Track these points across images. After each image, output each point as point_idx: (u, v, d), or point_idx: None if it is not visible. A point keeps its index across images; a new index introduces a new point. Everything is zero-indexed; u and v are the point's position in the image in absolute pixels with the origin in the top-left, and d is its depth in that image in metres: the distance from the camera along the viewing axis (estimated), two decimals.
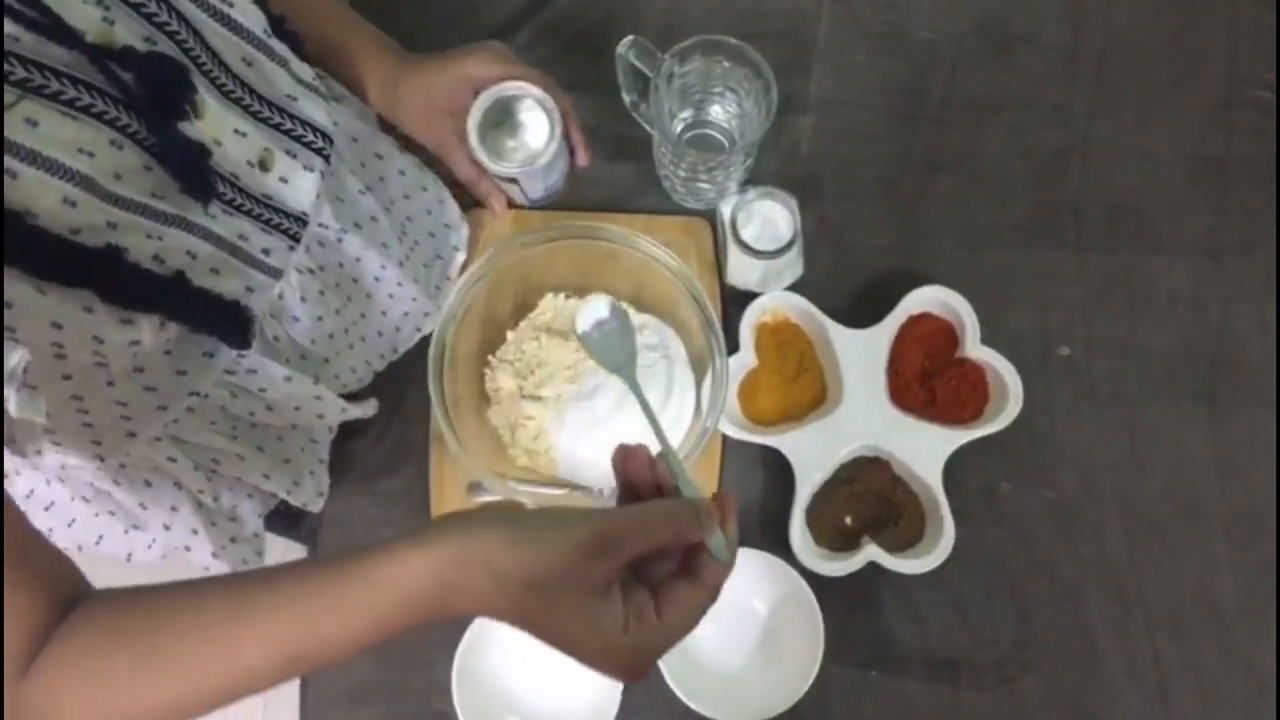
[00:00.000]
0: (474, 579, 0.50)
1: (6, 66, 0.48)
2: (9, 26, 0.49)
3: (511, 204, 0.91)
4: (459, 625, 0.82)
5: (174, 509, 0.77)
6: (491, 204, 0.89)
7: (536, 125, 0.83)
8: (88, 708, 0.52)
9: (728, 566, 0.52)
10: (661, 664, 0.81)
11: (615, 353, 0.68)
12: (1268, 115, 0.97)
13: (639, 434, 0.82)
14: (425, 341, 0.82)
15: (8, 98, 0.49)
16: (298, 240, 0.69)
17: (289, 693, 0.88)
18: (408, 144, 0.86)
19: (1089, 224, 0.95)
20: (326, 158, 0.69)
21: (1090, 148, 0.97)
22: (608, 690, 0.82)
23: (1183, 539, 0.89)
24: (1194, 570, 0.89)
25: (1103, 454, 0.91)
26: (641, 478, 0.55)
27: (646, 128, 0.89)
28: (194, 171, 0.59)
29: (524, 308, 0.90)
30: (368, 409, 0.84)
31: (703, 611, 0.52)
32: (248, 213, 0.64)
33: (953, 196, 0.96)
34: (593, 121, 0.96)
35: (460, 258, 0.90)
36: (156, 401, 0.66)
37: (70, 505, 0.76)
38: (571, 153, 0.87)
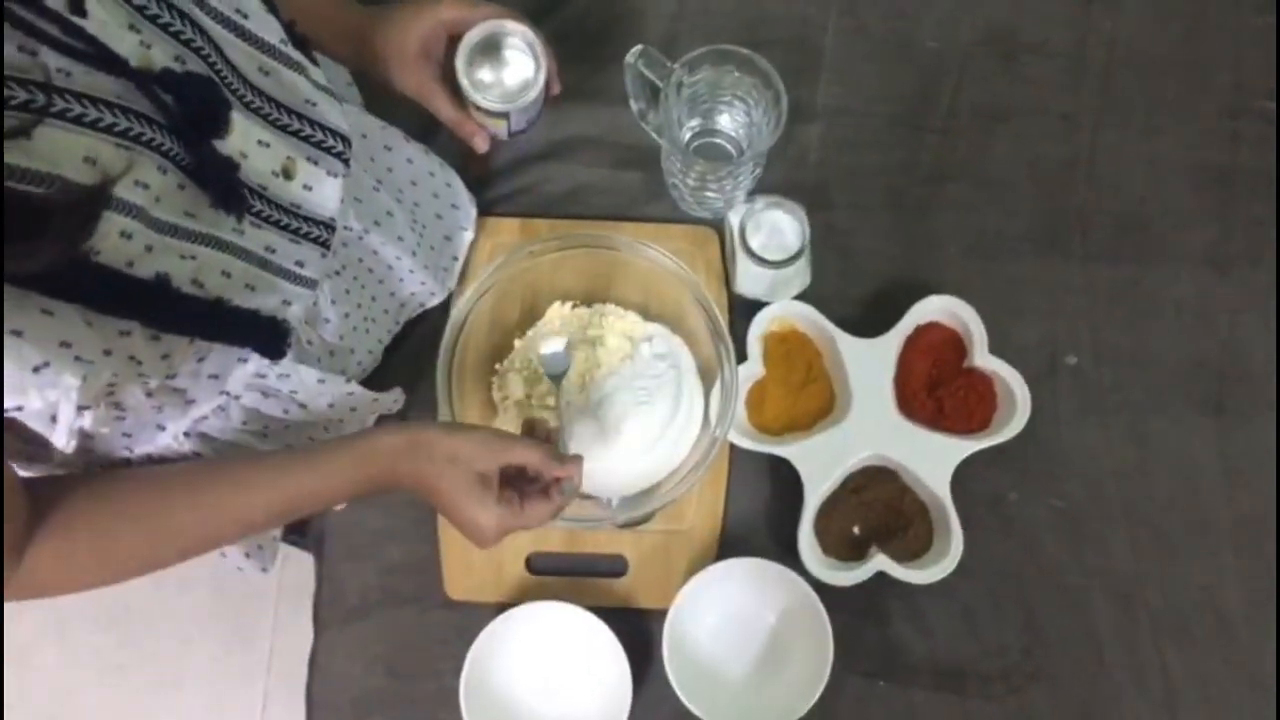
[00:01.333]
0: (418, 453, 0.67)
1: (63, 104, 0.48)
2: (57, 60, 0.48)
3: (493, 140, 0.86)
4: (467, 636, 0.82)
5: None
6: (475, 143, 0.85)
7: (517, 60, 0.81)
8: (92, 556, 0.62)
9: (568, 499, 0.71)
10: (670, 673, 0.81)
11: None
12: (1273, 126, 0.97)
13: (646, 444, 0.83)
14: (431, 356, 0.81)
15: (70, 137, 0.49)
16: (328, 247, 0.70)
17: (292, 693, 0.88)
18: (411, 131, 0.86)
19: (1095, 234, 0.96)
20: (347, 161, 0.69)
21: (1096, 158, 0.97)
22: (617, 699, 0.82)
23: (1189, 548, 0.89)
24: (1200, 579, 0.89)
25: (1110, 463, 0.91)
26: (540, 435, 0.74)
27: (655, 137, 0.89)
28: (228, 187, 0.59)
29: (531, 316, 0.90)
30: (397, 401, 0.84)
31: (549, 518, 0.70)
32: (275, 223, 0.64)
33: (960, 206, 0.96)
34: (600, 130, 0.96)
35: (468, 237, 0.90)
36: (185, 398, 0.67)
37: None
38: (545, 84, 0.85)
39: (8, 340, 0.48)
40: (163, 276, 0.56)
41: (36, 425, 0.54)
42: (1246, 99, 0.98)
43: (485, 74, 0.80)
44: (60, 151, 0.48)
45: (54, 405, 0.53)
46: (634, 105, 0.88)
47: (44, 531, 0.59)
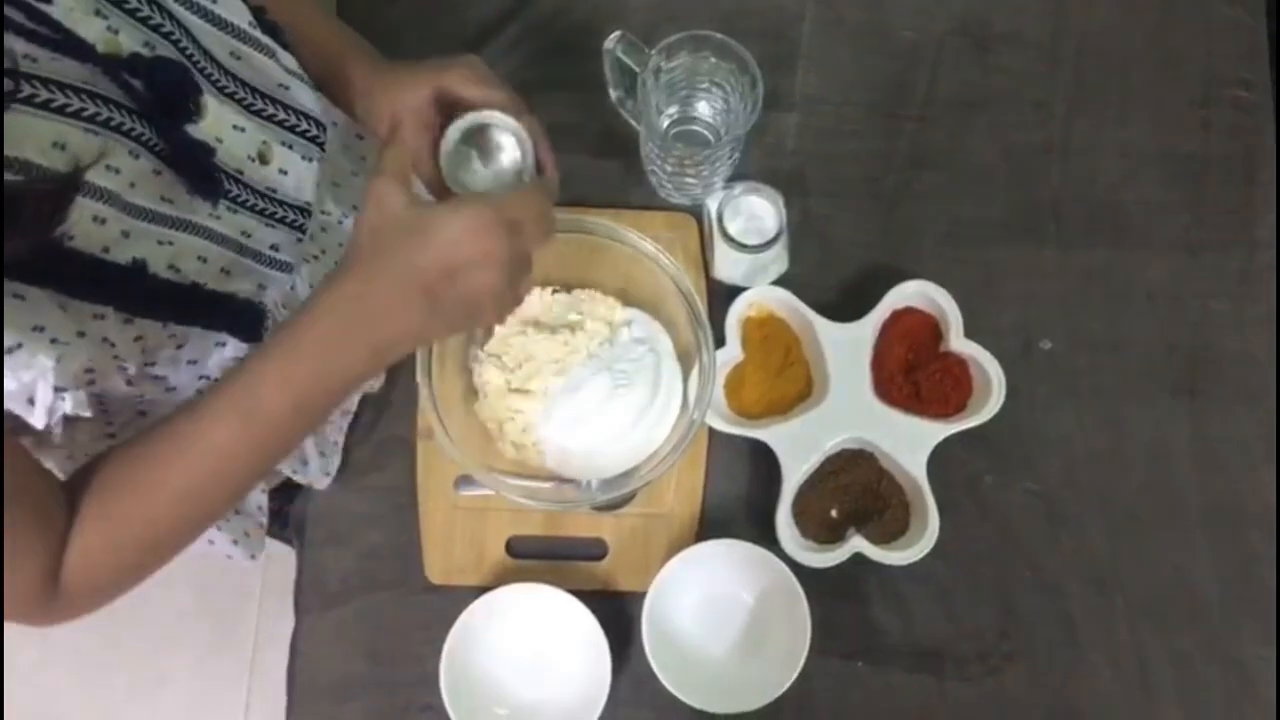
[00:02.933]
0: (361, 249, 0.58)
1: (30, 89, 0.48)
2: (23, 46, 0.49)
3: None
4: (447, 620, 0.82)
5: None
6: None
7: (510, 147, 0.74)
8: (115, 556, 0.59)
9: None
10: (649, 655, 0.81)
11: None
12: (1244, 113, 0.99)
13: (625, 427, 0.84)
14: None
15: (37, 122, 0.49)
16: (304, 231, 0.70)
17: (276, 687, 0.88)
18: None
19: (1069, 220, 0.97)
20: (322, 145, 0.69)
21: (1070, 146, 0.99)
22: (597, 681, 0.82)
23: (1162, 531, 0.90)
24: (1173, 561, 0.90)
25: (1084, 447, 0.92)
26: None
27: (633, 123, 0.90)
28: (203, 172, 0.59)
29: None
30: (376, 382, 0.84)
31: (538, 206, 0.62)
32: (251, 208, 0.65)
33: (935, 193, 0.97)
34: (579, 117, 0.97)
35: None
36: (166, 385, 0.67)
37: None
38: (539, 169, 0.84)
39: None
40: (139, 262, 0.56)
41: (14, 407, 0.54)
42: (1217, 87, 1.00)
43: (469, 154, 0.74)
44: (28, 137, 0.48)
45: (30, 386, 0.53)
46: (612, 93, 0.89)
47: (70, 548, 0.57)
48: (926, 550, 0.84)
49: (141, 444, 0.59)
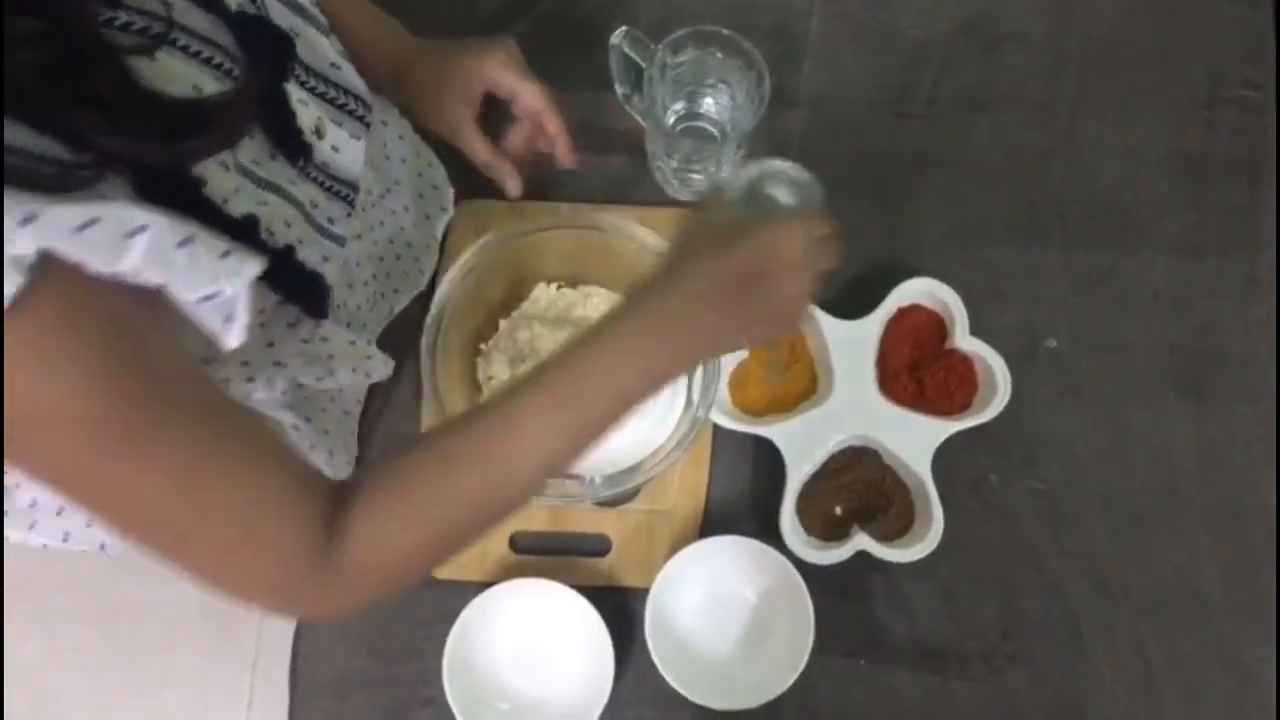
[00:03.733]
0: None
1: (177, 36, 0.51)
2: None
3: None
4: (449, 615, 0.82)
5: None
6: (508, 186, 0.87)
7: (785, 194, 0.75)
8: (411, 529, 0.57)
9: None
10: (652, 651, 0.81)
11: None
12: (1249, 114, 0.99)
13: (631, 422, 0.83)
14: (415, 336, 0.81)
15: (182, 66, 0.51)
16: (354, 206, 0.70)
17: (278, 683, 0.88)
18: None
19: (1073, 220, 0.97)
20: (368, 124, 0.70)
21: (1075, 145, 0.99)
22: (600, 677, 0.82)
23: (1166, 531, 0.90)
24: (1177, 561, 0.90)
25: (1087, 446, 0.92)
26: None
27: (639, 120, 0.90)
28: (292, 132, 0.61)
29: (516, 297, 0.91)
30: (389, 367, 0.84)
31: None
32: (314, 180, 0.65)
33: (940, 192, 0.97)
34: (585, 113, 0.97)
35: (446, 219, 0.91)
36: (248, 374, 0.68)
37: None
38: (555, 148, 0.87)
39: (199, 232, 0.48)
40: (251, 218, 0.57)
41: (214, 322, 0.53)
42: (1222, 88, 1.00)
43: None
44: (174, 77, 0.50)
45: (233, 301, 0.52)
46: (618, 89, 0.89)
47: (357, 524, 0.56)
48: (930, 548, 0.84)
49: (452, 428, 0.59)
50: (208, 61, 0.52)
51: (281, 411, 0.75)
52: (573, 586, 0.83)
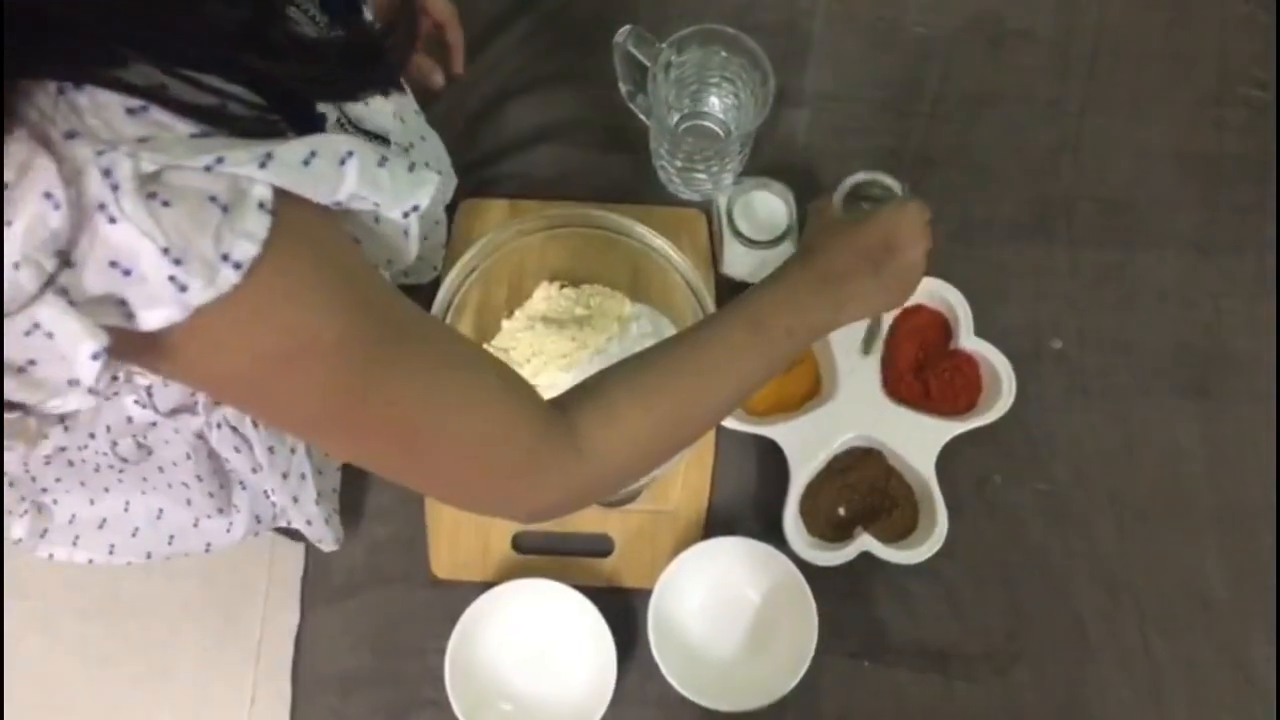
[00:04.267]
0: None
1: None
2: None
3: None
4: (452, 614, 0.82)
5: (293, 450, 0.77)
6: (434, 78, 0.86)
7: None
8: (643, 415, 0.62)
9: None
10: (655, 652, 0.81)
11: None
12: (1258, 112, 0.98)
13: None
14: None
15: None
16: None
17: (281, 683, 0.88)
18: None
19: (1081, 219, 0.96)
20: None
21: (1083, 143, 0.98)
22: (602, 678, 0.82)
23: (1173, 531, 0.90)
24: (1184, 562, 0.89)
25: (1094, 447, 0.91)
26: None
27: (643, 118, 0.90)
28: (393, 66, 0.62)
29: (519, 296, 0.90)
30: None
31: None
32: (350, 133, 0.66)
33: (946, 191, 0.97)
34: (588, 112, 0.96)
35: (445, 199, 0.89)
36: None
37: (126, 516, 0.76)
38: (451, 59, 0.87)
39: (387, 151, 0.51)
40: (383, 159, 0.59)
41: (399, 239, 0.60)
42: (1231, 86, 0.99)
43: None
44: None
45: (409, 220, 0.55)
46: (622, 87, 0.88)
47: (582, 410, 0.60)
48: (935, 549, 0.84)
49: (665, 343, 0.67)
50: (310, 16, 0.55)
51: None
52: (575, 587, 0.83)
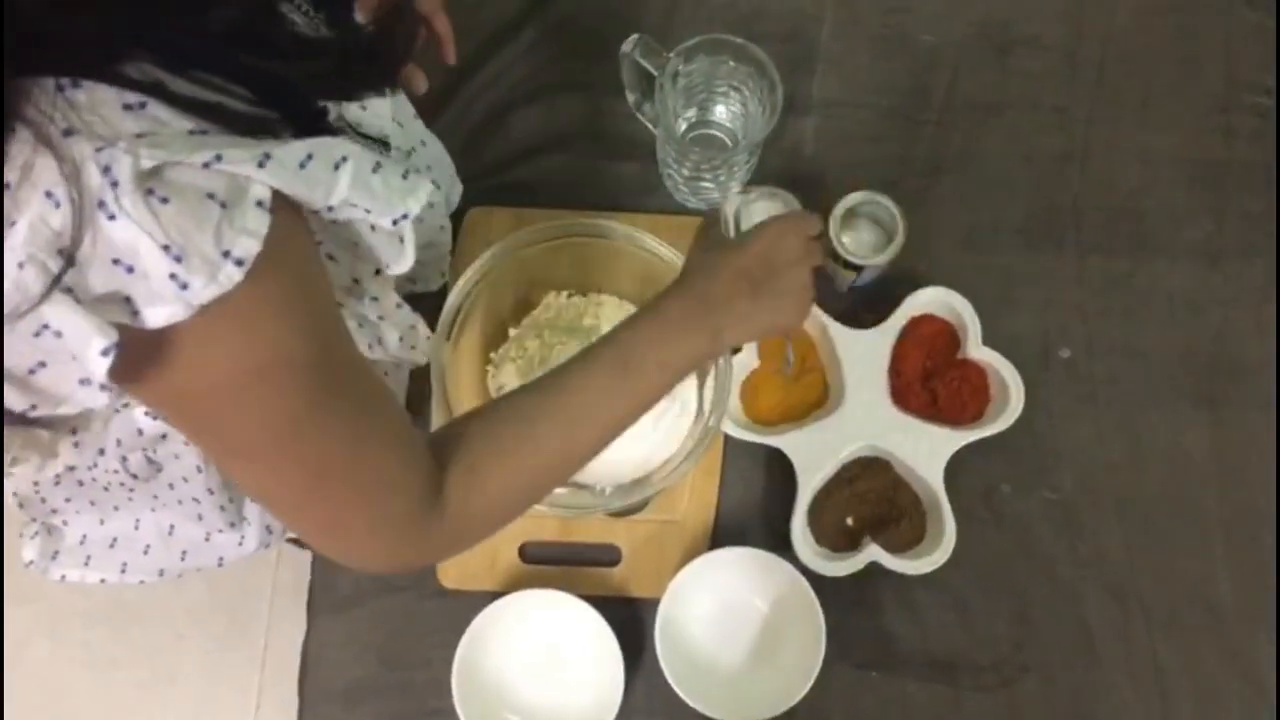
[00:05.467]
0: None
1: None
2: None
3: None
4: (459, 625, 0.82)
5: None
6: (416, 82, 0.79)
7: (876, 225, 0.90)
8: (503, 475, 0.62)
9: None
10: (663, 662, 0.81)
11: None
12: (1266, 120, 0.98)
13: (639, 432, 0.83)
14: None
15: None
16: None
17: (286, 691, 0.88)
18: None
19: (1089, 227, 0.96)
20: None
21: (1090, 151, 0.98)
22: (609, 688, 0.82)
23: (1181, 540, 0.89)
24: (1192, 571, 0.89)
25: (1102, 456, 0.91)
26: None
27: (650, 127, 0.89)
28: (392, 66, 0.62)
29: (526, 306, 0.90)
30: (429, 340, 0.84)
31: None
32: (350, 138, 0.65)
33: (954, 198, 0.96)
34: (595, 121, 0.96)
35: (452, 206, 0.90)
36: None
37: (137, 534, 0.76)
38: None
39: (382, 158, 0.52)
40: (377, 165, 0.58)
41: (392, 249, 0.59)
42: (1239, 93, 0.98)
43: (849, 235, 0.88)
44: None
45: (406, 225, 0.55)
46: (629, 96, 0.88)
47: (449, 469, 0.60)
48: (943, 560, 0.84)
49: (527, 386, 0.66)
50: (306, 14, 0.54)
51: None
52: (583, 597, 0.83)
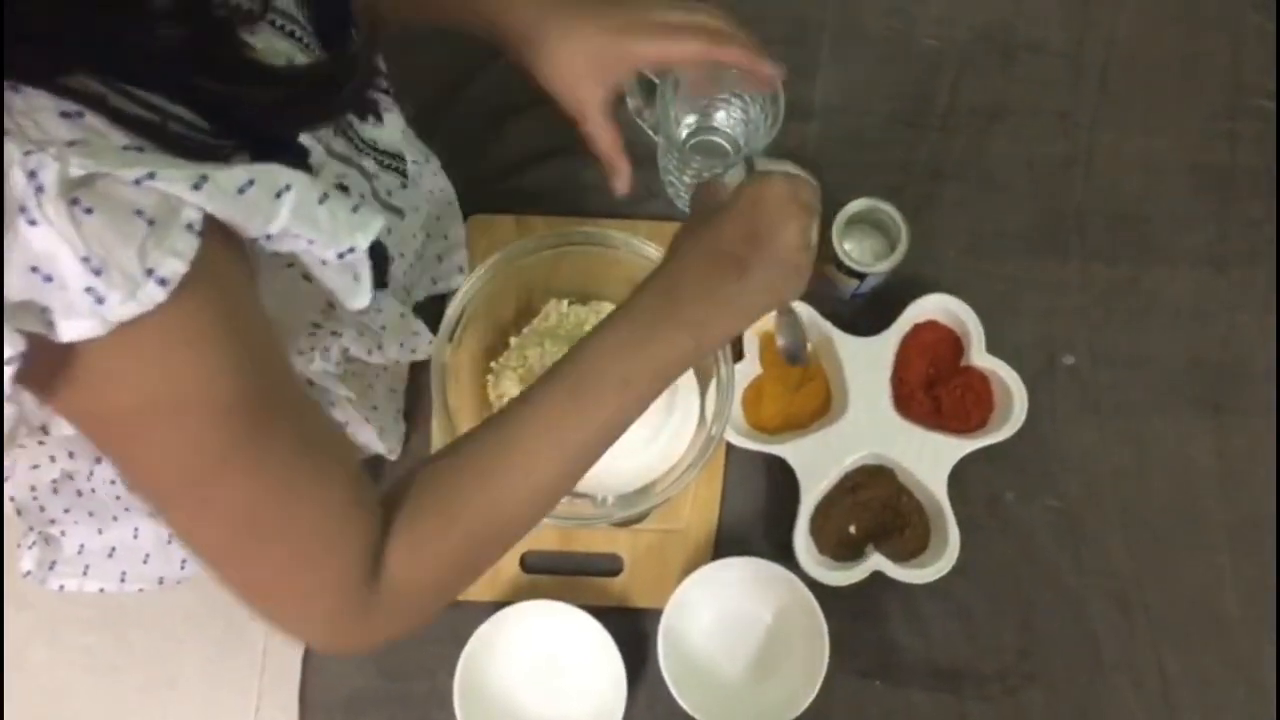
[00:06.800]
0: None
1: (273, 15, 0.52)
2: None
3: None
4: (460, 635, 0.82)
5: None
6: (616, 182, 0.78)
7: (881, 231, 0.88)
8: (449, 539, 0.56)
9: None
10: (665, 672, 0.80)
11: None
12: (1270, 124, 0.97)
13: (641, 442, 0.83)
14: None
15: (280, 41, 0.53)
16: (406, 176, 0.70)
17: (285, 697, 0.87)
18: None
19: (1093, 233, 0.95)
20: (396, 97, 0.69)
21: (1094, 156, 0.97)
22: (612, 699, 0.81)
23: (1186, 548, 0.89)
24: (1198, 580, 0.88)
25: (1107, 463, 0.90)
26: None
27: (651, 134, 0.88)
28: (365, 97, 0.62)
29: (527, 314, 0.90)
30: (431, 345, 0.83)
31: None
32: (367, 154, 0.65)
33: (957, 204, 0.96)
34: None
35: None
36: (311, 343, 0.68)
37: (136, 543, 0.76)
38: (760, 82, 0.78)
39: (331, 189, 0.49)
40: (341, 188, 0.58)
41: (344, 282, 0.54)
42: (1244, 98, 0.98)
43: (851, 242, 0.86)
44: (275, 53, 0.52)
45: (362, 258, 0.52)
46: (630, 102, 0.87)
47: (389, 530, 0.55)
48: (947, 569, 0.83)
49: (474, 433, 0.58)
50: (291, 35, 0.53)
51: (335, 383, 0.75)
52: (585, 607, 0.82)
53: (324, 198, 0.48)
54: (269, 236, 0.47)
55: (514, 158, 0.95)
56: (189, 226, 0.42)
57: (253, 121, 0.47)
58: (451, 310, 0.81)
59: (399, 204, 0.70)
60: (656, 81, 0.82)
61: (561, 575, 0.87)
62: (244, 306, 0.48)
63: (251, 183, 0.44)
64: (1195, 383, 0.92)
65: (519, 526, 0.59)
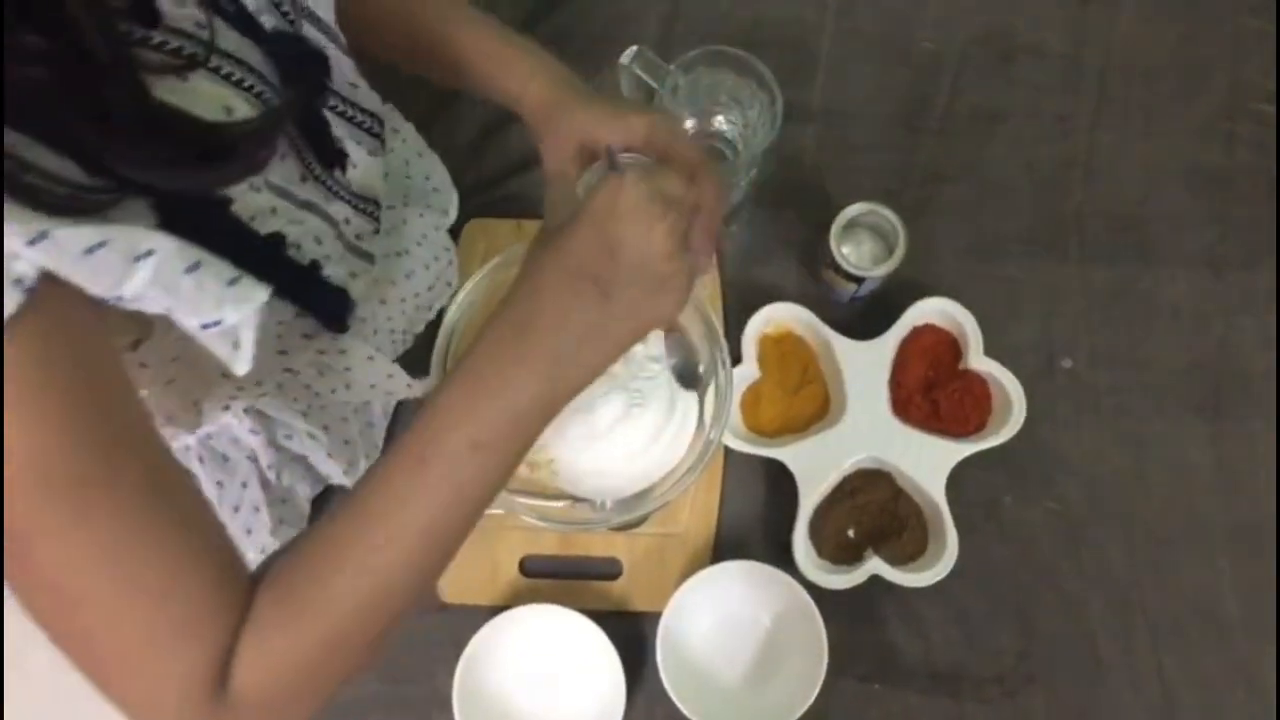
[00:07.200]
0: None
1: (215, 60, 0.50)
2: (202, 15, 0.50)
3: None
4: (460, 639, 0.82)
5: (244, 485, 0.77)
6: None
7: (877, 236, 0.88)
8: (296, 641, 0.49)
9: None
10: (664, 676, 0.80)
11: None
12: (1269, 127, 0.97)
13: (640, 446, 0.83)
14: (425, 358, 0.81)
15: (213, 88, 0.50)
16: (379, 221, 0.70)
17: None
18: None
19: (1092, 236, 0.95)
20: (383, 141, 0.69)
21: (1093, 159, 0.97)
22: (611, 703, 0.81)
23: (1185, 552, 0.89)
24: (1196, 583, 0.88)
25: (1105, 467, 0.90)
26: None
27: None
28: (330, 146, 0.61)
29: None
30: (426, 385, 0.82)
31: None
32: (342, 198, 0.65)
33: (956, 207, 0.96)
34: None
35: (448, 221, 0.89)
36: (255, 377, 0.67)
37: None
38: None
39: (207, 258, 0.46)
40: (276, 237, 0.56)
41: (222, 348, 0.49)
42: (1243, 101, 0.98)
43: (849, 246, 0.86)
44: (206, 99, 0.49)
45: (238, 326, 0.48)
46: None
47: (240, 630, 0.49)
48: (945, 572, 0.83)
49: (323, 520, 0.53)
50: (238, 84, 0.52)
51: (296, 418, 0.75)
52: (584, 611, 0.82)
53: (194, 266, 0.45)
54: (119, 298, 0.44)
55: (512, 163, 0.96)
56: (17, 282, 0.39)
57: (147, 176, 0.44)
58: (450, 316, 0.81)
59: (369, 248, 0.68)
60: (655, 87, 0.83)
61: (560, 579, 0.87)
62: (89, 367, 0.44)
63: (103, 244, 0.41)
64: (1194, 385, 0.92)
65: (375, 622, 0.51)
